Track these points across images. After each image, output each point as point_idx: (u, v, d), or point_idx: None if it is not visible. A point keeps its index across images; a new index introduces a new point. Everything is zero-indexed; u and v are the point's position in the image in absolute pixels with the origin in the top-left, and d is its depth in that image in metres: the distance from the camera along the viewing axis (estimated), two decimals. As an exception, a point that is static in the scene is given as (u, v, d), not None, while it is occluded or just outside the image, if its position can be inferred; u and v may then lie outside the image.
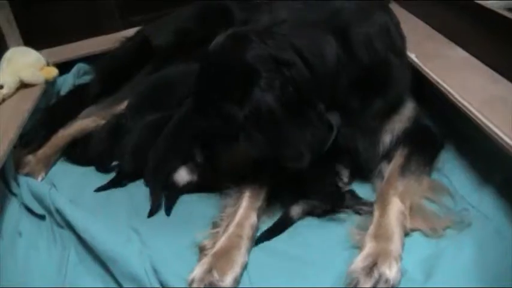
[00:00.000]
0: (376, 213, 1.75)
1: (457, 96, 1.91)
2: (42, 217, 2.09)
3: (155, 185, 2.10)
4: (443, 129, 2.14)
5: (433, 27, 2.52)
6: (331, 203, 1.89)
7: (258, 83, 1.72)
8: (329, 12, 1.94)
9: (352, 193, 1.94)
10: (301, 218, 1.89)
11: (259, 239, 1.82)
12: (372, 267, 1.55)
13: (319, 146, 1.82)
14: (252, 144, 1.79)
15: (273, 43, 1.77)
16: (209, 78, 1.83)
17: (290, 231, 1.85)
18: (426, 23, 2.60)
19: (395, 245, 1.63)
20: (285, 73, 1.73)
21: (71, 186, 2.27)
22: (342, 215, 1.88)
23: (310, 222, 1.88)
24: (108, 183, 2.24)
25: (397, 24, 2.14)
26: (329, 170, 1.97)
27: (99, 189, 2.22)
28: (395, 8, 2.83)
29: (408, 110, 2.06)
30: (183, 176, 2.09)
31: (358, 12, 1.98)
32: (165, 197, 2.07)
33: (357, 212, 1.87)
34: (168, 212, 2.02)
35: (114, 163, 2.35)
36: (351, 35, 1.90)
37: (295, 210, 1.88)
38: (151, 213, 2.02)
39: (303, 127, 1.77)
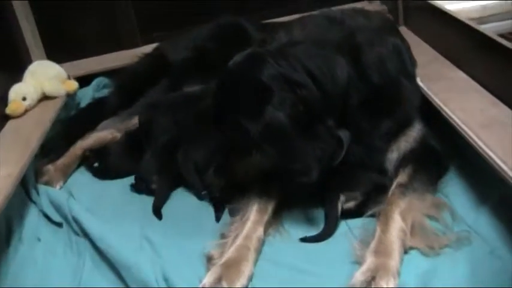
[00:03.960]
0: (378, 230, 1.78)
1: (456, 119, 1.96)
2: (59, 224, 2.16)
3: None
4: (446, 149, 2.15)
5: (437, 50, 2.56)
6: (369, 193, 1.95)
7: (271, 101, 1.79)
8: (343, 33, 2.01)
9: None
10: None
11: (310, 239, 1.89)
12: (370, 281, 1.60)
13: (328, 160, 1.88)
14: (264, 157, 1.88)
15: (287, 64, 1.85)
16: (227, 94, 1.92)
17: (295, 244, 1.89)
18: (431, 46, 2.64)
19: (394, 261, 1.66)
20: (296, 93, 1.81)
21: (88, 195, 2.33)
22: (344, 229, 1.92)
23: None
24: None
25: (408, 48, 2.20)
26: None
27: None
28: (403, 30, 2.91)
29: (415, 131, 2.09)
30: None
31: (372, 35, 2.05)
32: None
33: None
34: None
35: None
36: (364, 56, 1.97)
37: (340, 202, 1.93)
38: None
39: (312, 142, 1.83)
